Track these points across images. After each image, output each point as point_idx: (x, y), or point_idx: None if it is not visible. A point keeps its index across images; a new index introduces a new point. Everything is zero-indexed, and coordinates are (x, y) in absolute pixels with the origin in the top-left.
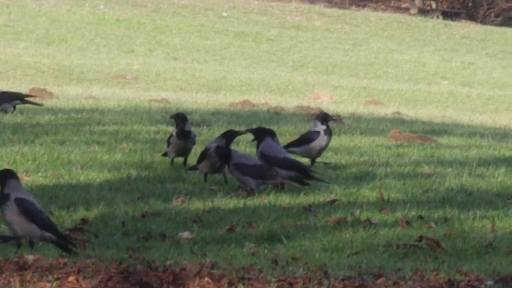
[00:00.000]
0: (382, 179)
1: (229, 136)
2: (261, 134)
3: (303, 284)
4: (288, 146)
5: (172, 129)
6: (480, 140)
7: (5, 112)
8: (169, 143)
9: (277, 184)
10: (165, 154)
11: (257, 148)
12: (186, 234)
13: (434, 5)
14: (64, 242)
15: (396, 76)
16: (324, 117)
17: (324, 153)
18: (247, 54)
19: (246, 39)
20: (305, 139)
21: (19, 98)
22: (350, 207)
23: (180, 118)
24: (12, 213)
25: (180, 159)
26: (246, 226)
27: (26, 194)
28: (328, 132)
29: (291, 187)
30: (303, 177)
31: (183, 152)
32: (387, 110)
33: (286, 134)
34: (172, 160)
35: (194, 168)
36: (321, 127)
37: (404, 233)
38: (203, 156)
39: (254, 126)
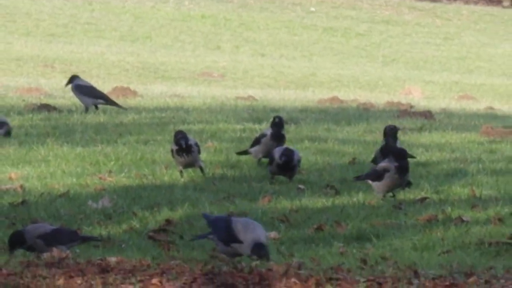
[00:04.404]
0: (474, 175)
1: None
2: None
3: (393, 283)
4: None
5: (265, 128)
6: None
7: (86, 108)
8: (258, 142)
9: None
10: (243, 152)
11: None
12: (273, 234)
13: None
14: None
15: (489, 71)
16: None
17: (413, 149)
18: (336, 50)
19: (335, 34)
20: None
21: (104, 99)
22: (441, 205)
23: (278, 123)
24: None
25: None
26: (335, 226)
27: None
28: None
29: None
30: None
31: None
32: (479, 105)
33: (376, 131)
34: (259, 160)
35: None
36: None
37: (496, 230)
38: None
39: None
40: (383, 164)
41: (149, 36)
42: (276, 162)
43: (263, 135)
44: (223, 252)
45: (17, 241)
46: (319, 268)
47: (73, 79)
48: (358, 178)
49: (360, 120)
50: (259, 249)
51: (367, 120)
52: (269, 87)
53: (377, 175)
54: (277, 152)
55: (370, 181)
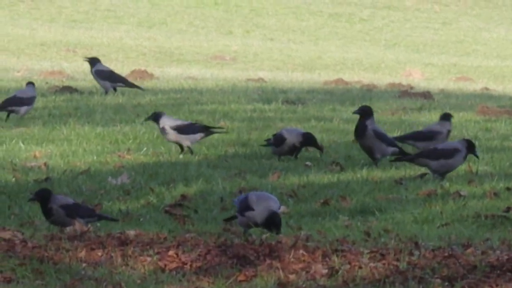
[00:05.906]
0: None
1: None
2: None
3: (395, 255)
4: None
5: (432, 123)
6: None
7: (106, 91)
8: (431, 139)
9: None
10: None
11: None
12: (282, 209)
13: None
14: None
15: (484, 53)
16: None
17: (414, 128)
18: (341, 34)
19: (340, 20)
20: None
21: (123, 82)
22: (440, 180)
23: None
24: None
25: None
26: (340, 200)
27: None
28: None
29: None
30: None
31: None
32: (476, 86)
33: (378, 111)
34: None
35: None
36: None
37: (492, 204)
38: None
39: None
40: (452, 143)
41: (165, 21)
42: (290, 144)
43: (438, 132)
44: (240, 224)
45: (42, 196)
46: (326, 240)
47: (94, 63)
48: (411, 157)
49: (363, 100)
50: (272, 217)
51: (370, 100)
52: (278, 69)
53: (445, 154)
54: (286, 134)
55: (427, 159)
